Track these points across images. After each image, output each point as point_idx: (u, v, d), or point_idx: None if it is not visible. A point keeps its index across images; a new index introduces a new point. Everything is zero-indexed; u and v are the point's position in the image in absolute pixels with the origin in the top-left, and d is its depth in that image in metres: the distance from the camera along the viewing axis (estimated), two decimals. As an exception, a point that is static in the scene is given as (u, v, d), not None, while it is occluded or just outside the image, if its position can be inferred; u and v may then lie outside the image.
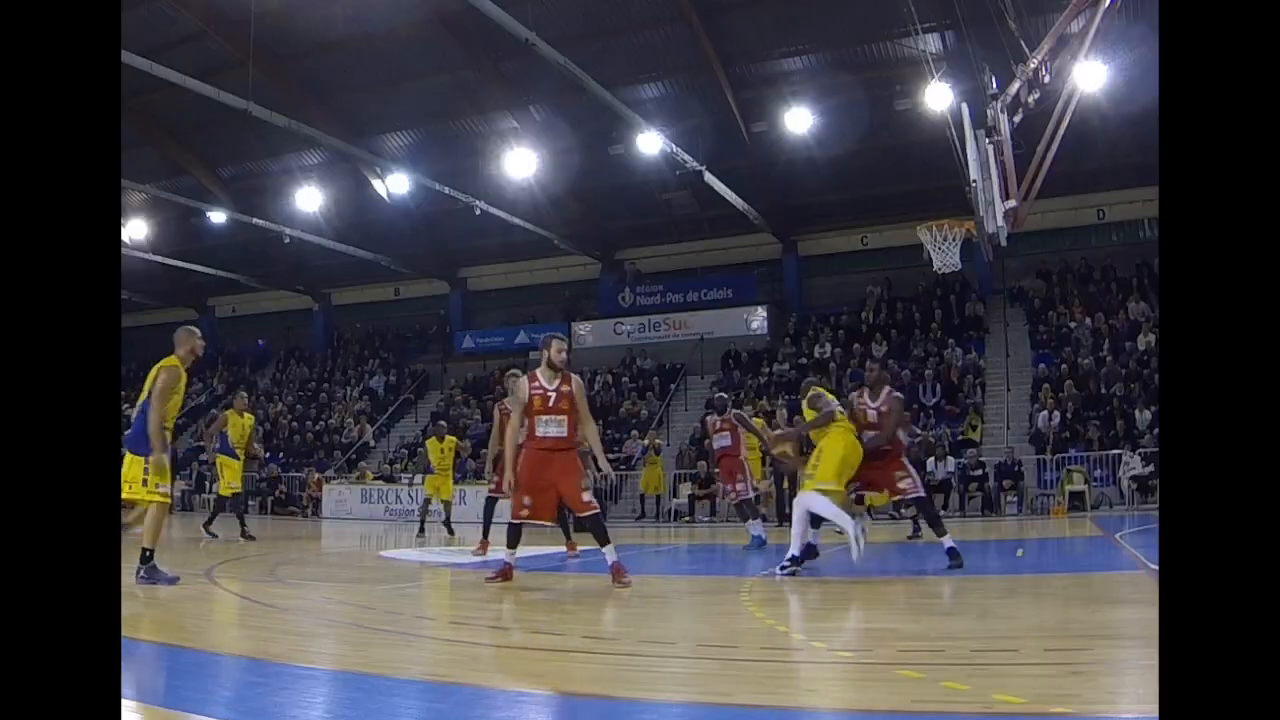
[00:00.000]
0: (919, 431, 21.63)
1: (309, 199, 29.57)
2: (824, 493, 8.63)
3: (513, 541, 8.40)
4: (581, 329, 30.40)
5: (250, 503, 27.19)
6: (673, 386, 28.14)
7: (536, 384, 8.16)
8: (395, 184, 28.86)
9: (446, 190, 25.84)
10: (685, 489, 22.78)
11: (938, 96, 19.96)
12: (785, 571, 8.61)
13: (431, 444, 17.03)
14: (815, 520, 8.83)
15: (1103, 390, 22.50)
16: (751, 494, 13.35)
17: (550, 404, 8.07)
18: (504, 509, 9.52)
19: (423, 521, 17.44)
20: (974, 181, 12.04)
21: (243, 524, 14.40)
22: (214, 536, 14.16)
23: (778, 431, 11.31)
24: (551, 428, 8.07)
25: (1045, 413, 22.15)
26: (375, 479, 25.85)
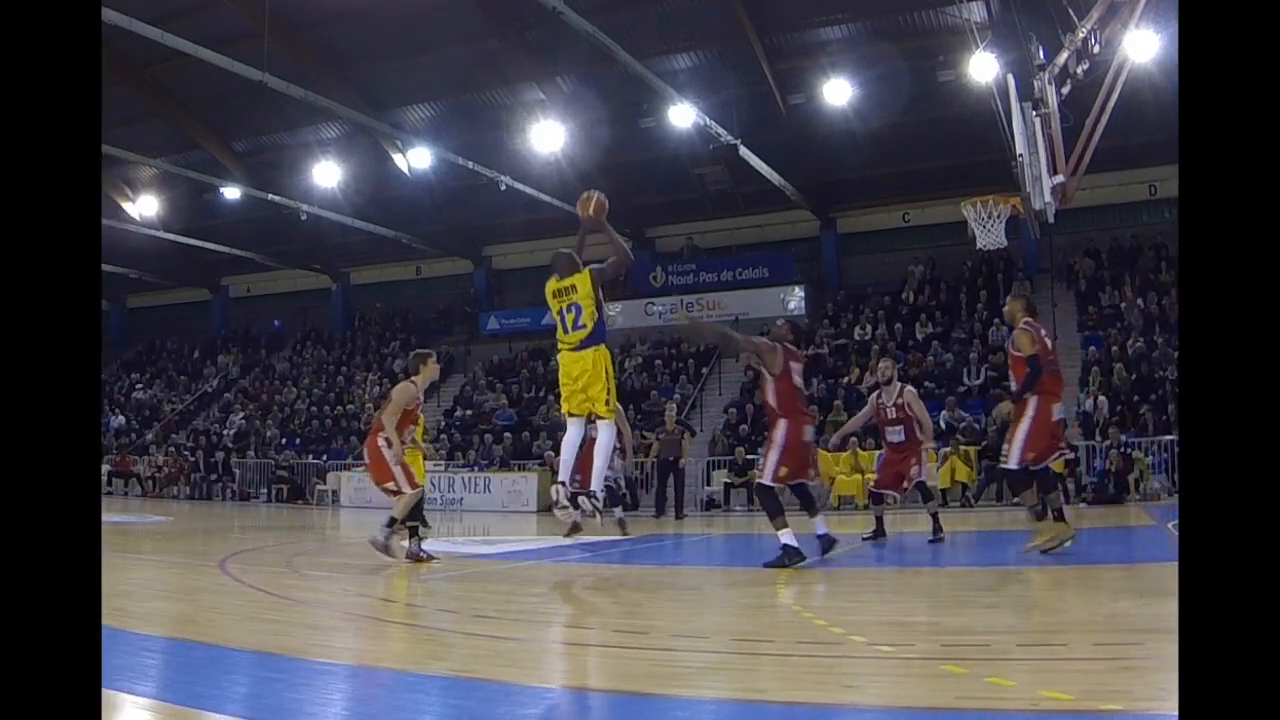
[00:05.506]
0: (965, 417, 20.98)
1: (327, 174, 29.01)
2: None
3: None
4: (611, 309, 29.35)
5: (262, 490, 26.80)
6: (705, 370, 27.27)
7: None
8: (416, 158, 28.32)
9: (470, 165, 25.07)
10: (720, 476, 21.86)
11: (982, 67, 19.23)
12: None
13: None
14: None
15: (1156, 374, 21.56)
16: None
17: None
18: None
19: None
20: (1020, 156, 11.84)
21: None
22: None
23: None
24: None
25: (1092, 399, 21.34)
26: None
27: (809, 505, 9.08)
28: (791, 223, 29.84)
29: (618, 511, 13.67)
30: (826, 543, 8.74)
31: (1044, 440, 8.84)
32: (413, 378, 9.49)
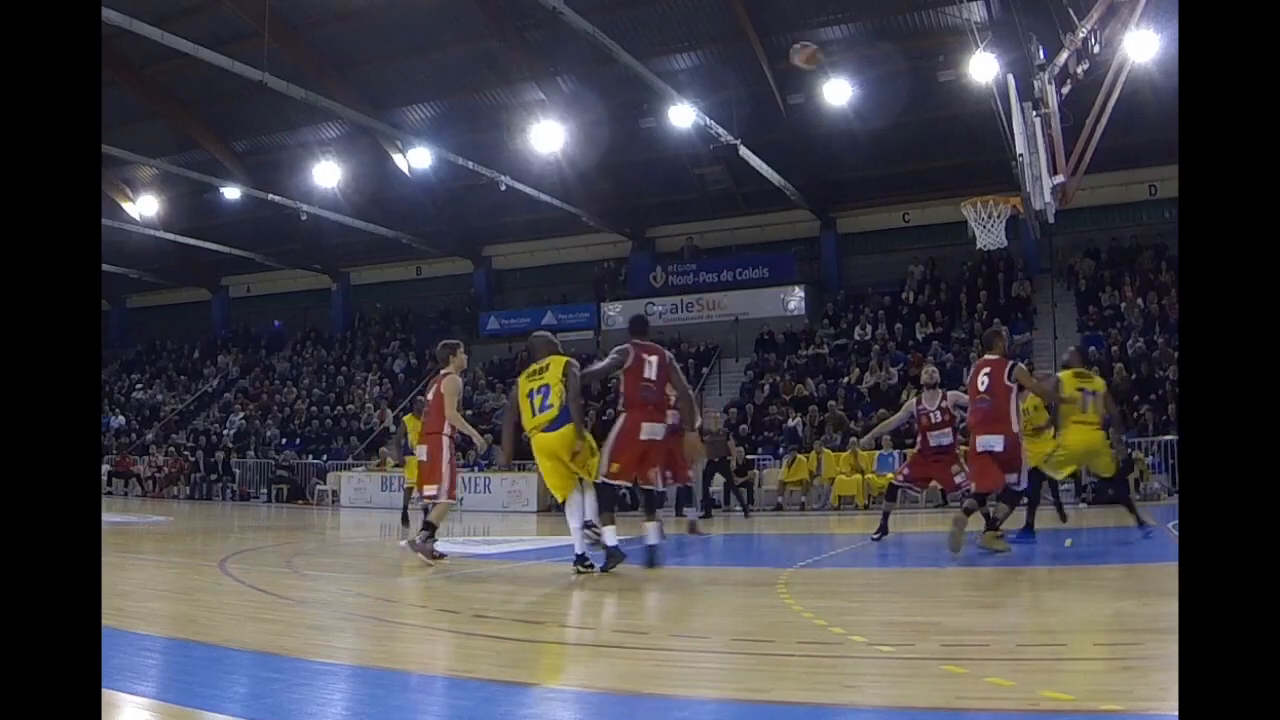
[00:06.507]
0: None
1: (327, 174, 28.96)
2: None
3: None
4: (611, 309, 29.49)
5: (262, 490, 26.85)
6: (705, 370, 27.26)
7: None
8: (417, 158, 28.26)
9: (470, 165, 25.05)
10: (720, 476, 21.76)
11: (983, 67, 19.19)
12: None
13: (410, 421, 14.73)
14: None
15: (1156, 374, 21.54)
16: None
17: None
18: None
19: (405, 511, 15.54)
20: (1020, 156, 11.88)
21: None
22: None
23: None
24: None
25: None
26: (396, 466, 24.89)
27: (649, 510, 8.55)
28: (791, 223, 29.82)
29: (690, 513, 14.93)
30: (647, 555, 8.29)
31: (975, 466, 9.26)
32: (445, 369, 9.56)
